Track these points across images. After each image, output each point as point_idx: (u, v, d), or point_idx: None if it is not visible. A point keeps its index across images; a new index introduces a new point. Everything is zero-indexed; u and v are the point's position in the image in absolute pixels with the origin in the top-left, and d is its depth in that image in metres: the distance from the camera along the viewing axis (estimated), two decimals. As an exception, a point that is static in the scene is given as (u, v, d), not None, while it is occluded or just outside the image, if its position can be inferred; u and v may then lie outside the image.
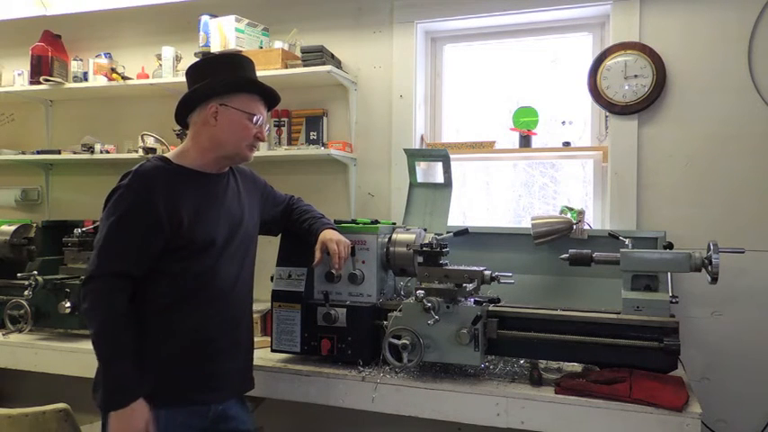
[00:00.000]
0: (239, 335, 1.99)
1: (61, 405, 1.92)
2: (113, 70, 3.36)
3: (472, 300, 2.09)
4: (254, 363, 2.11)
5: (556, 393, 1.96)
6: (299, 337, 2.27)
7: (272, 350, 2.32)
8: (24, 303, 2.65)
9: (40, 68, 3.50)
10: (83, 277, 1.80)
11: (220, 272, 1.90)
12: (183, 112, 1.94)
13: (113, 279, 1.75)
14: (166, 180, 1.84)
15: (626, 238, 2.35)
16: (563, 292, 2.62)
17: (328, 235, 2.16)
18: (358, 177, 3.21)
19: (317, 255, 2.16)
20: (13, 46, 3.77)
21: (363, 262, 2.30)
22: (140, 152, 3.23)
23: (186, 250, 1.83)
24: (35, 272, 2.69)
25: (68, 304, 2.61)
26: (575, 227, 2.60)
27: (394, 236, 2.40)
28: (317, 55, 3.03)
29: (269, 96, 2.01)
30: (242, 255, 2.00)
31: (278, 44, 3.13)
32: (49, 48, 3.53)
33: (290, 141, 3.28)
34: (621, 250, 2.19)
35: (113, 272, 1.75)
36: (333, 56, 3.12)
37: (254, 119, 1.93)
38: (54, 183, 3.84)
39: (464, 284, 2.11)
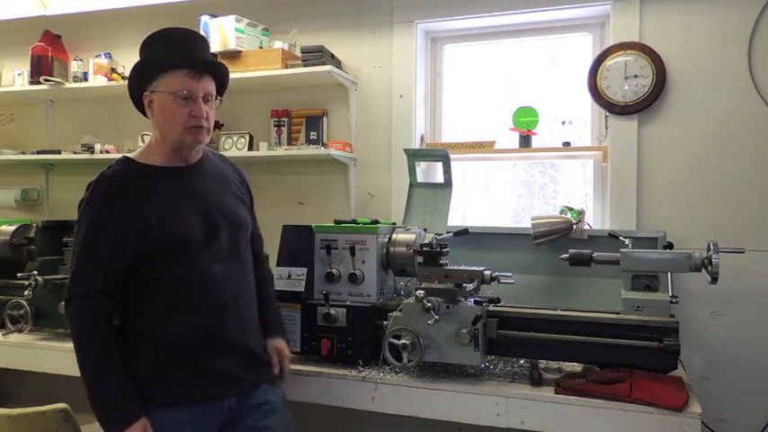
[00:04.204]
0: (239, 334, 1.87)
1: (61, 405, 1.91)
2: (113, 70, 3.37)
3: (472, 300, 2.09)
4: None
5: (556, 393, 1.96)
6: (299, 337, 2.27)
7: (273, 350, 2.32)
8: (24, 303, 2.65)
9: (40, 68, 3.50)
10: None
11: (205, 272, 1.79)
12: (140, 109, 1.86)
13: (89, 299, 1.70)
14: (129, 182, 1.76)
15: (626, 238, 2.35)
16: (563, 292, 2.62)
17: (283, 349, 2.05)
18: (358, 177, 3.21)
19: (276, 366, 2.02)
20: (13, 46, 3.77)
21: (363, 262, 2.30)
22: (140, 152, 3.22)
23: (161, 253, 1.74)
24: (35, 272, 2.68)
25: (68, 304, 2.60)
26: (575, 227, 2.60)
27: (394, 236, 2.40)
28: (316, 55, 3.03)
29: (202, 66, 1.78)
30: (231, 249, 1.86)
31: (278, 44, 3.13)
32: (49, 48, 3.53)
33: (290, 141, 3.28)
34: (621, 250, 2.19)
35: (88, 290, 1.70)
36: (333, 56, 3.12)
37: (183, 94, 1.75)
38: (54, 183, 3.84)
39: (464, 284, 2.11)
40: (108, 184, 1.76)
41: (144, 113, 1.86)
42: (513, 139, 3.06)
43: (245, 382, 1.88)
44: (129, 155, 1.87)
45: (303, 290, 2.29)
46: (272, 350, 2.01)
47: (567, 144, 2.98)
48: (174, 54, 1.79)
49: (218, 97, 1.88)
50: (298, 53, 3.15)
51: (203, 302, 1.79)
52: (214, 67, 1.84)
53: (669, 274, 2.22)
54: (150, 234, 1.72)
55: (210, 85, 1.82)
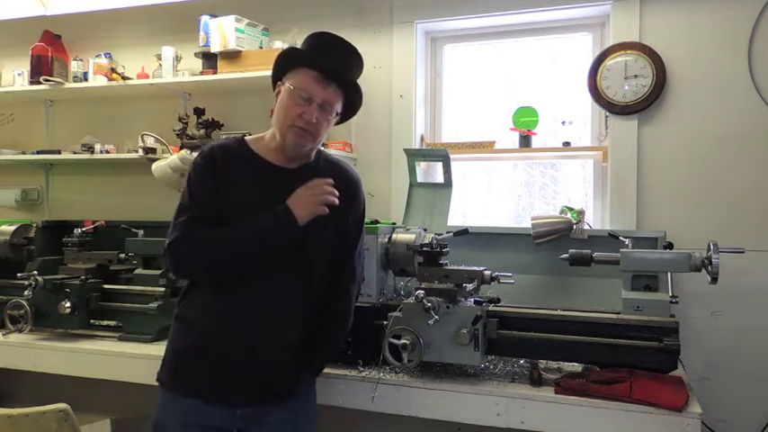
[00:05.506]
0: (264, 346, 1.79)
1: (61, 405, 1.91)
2: (113, 70, 3.36)
3: (472, 300, 2.09)
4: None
5: (556, 393, 1.96)
6: (299, 337, 2.27)
7: (272, 350, 2.32)
8: (24, 303, 2.65)
9: (39, 68, 3.49)
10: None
11: (244, 276, 1.76)
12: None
13: (183, 234, 1.75)
14: (222, 157, 1.80)
15: (626, 238, 2.35)
16: (563, 292, 2.62)
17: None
18: (358, 177, 3.20)
19: None
20: (13, 46, 3.76)
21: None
22: (140, 152, 3.23)
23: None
24: (35, 272, 2.68)
25: (68, 304, 2.60)
26: (575, 227, 2.60)
27: (394, 236, 2.40)
28: (317, 55, 3.02)
29: (331, 75, 1.77)
30: (285, 261, 1.77)
31: (278, 44, 3.12)
32: (49, 48, 3.53)
33: (290, 141, 3.27)
34: (621, 250, 2.19)
35: (184, 231, 1.75)
36: (333, 56, 3.11)
37: (302, 94, 1.74)
38: (54, 183, 3.84)
39: (464, 284, 2.11)
40: (206, 151, 1.83)
41: None
42: (513, 139, 3.06)
43: (260, 393, 1.81)
44: (247, 135, 1.93)
45: (303, 290, 2.28)
46: None
47: (567, 144, 2.97)
48: (312, 54, 1.81)
49: (338, 113, 1.89)
50: (298, 53, 3.14)
51: (231, 304, 1.77)
52: (344, 81, 1.83)
53: (669, 274, 2.22)
54: (215, 210, 1.76)
55: (334, 97, 1.82)
